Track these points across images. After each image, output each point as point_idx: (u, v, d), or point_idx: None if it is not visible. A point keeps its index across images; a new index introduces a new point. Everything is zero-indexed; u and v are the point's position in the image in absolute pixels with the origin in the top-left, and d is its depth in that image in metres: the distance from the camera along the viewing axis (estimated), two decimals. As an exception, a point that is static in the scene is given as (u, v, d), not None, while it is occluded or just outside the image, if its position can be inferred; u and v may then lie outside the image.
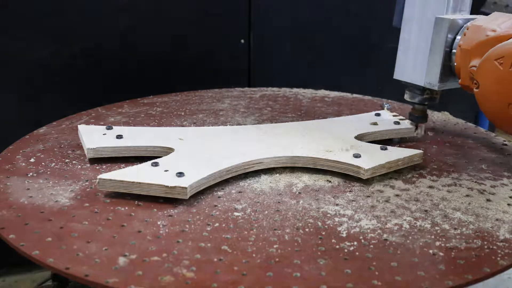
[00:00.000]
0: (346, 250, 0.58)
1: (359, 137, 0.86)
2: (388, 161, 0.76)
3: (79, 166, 0.77)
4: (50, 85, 1.28)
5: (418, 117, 0.91)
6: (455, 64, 0.83)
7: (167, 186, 0.66)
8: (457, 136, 0.95)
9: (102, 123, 0.94)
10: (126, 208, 0.65)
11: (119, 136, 0.81)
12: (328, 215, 0.65)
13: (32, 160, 0.78)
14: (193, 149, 0.79)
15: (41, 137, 0.87)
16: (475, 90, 0.77)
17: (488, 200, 0.71)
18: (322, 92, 1.19)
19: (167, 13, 1.34)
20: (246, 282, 0.52)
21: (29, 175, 0.73)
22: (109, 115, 0.99)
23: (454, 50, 0.83)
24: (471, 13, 0.86)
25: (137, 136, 0.82)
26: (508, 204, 0.69)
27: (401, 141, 0.91)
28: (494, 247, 0.59)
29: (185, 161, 0.74)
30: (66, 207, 0.65)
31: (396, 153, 0.79)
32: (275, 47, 1.48)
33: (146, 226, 0.61)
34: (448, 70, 0.85)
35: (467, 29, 0.81)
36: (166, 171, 0.69)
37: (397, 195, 0.71)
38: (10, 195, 0.67)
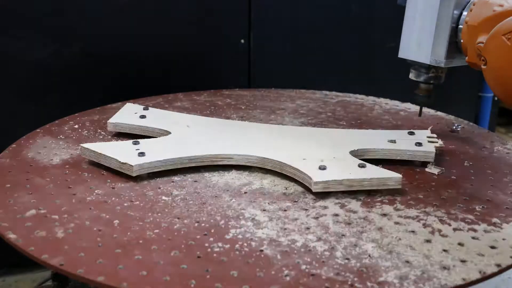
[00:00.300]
0: (211, 250, 0.57)
1: (363, 153, 0.80)
2: (348, 179, 0.70)
3: (101, 137, 0.88)
4: (50, 85, 1.27)
5: (423, 97, 0.89)
6: (462, 41, 0.81)
7: (119, 162, 0.73)
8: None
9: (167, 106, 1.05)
10: (90, 175, 0.74)
11: (143, 116, 0.90)
12: (240, 217, 0.64)
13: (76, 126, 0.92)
14: (184, 135, 0.84)
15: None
16: (482, 67, 0.75)
17: (427, 240, 0.60)
18: (405, 105, 1.10)
19: (167, 13, 1.34)
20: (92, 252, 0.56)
21: (60, 137, 0.87)
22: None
23: (460, 26, 0.81)
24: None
25: (156, 118, 0.90)
26: (445, 250, 0.58)
27: (423, 165, 0.81)
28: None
29: (161, 144, 0.80)
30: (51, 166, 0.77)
31: (367, 173, 0.72)
32: (275, 47, 1.47)
33: (85, 191, 0.69)
34: (454, 47, 0.83)
35: (474, 4, 0.80)
36: (137, 150, 0.76)
37: (335, 215, 0.66)
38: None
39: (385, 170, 0.75)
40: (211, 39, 1.40)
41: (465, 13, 0.81)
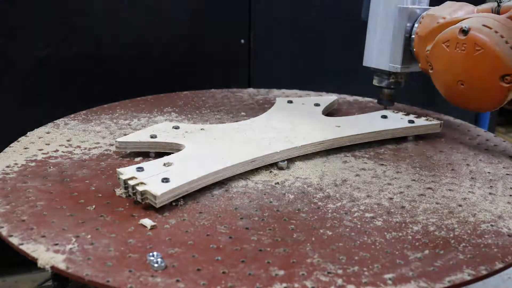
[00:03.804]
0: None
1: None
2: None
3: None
4: (50, 85, 1.28)
5: (386, 101, 1.01)
6: (414, 50, 0.92)
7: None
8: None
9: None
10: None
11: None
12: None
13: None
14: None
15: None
16: (430, 71, 0.87)
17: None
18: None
19: (167, 13, 1.34)
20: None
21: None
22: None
23: (413, 36, 0.93)
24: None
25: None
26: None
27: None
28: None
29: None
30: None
31: None
32: (275, 47, 1.48)
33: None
34: (409, 54, 0.95)
35: (423, 17, 0.91)
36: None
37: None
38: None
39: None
40: (211, 39, 1.40)
41: (416, 25, 0.93)
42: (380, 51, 0.98)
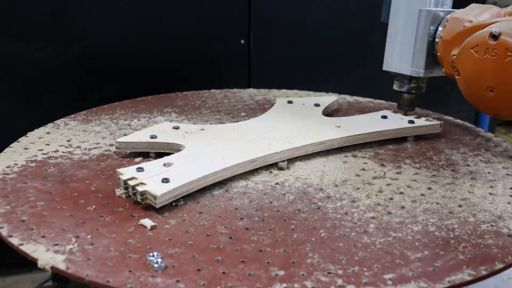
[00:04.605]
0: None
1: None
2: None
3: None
4: (50, 85, 1.28)
5: (406, 106, 0.98)
6: (438, 54, 0.90)
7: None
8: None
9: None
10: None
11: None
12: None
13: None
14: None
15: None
16: (456, 77, 0.84)
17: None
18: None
19: (167, 13, 1.34)
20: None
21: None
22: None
23: (437, 40, 0.90)
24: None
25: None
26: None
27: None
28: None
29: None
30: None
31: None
32: (275, 47, 1.48)
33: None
34: (432, 58, 0.92)
35: (447, 21, 0.88)
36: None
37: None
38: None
39: None
40: (211, 39, 1.40)
41: (440, 28, 0.90)
42: (401, 55, 0.95)
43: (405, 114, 0.97)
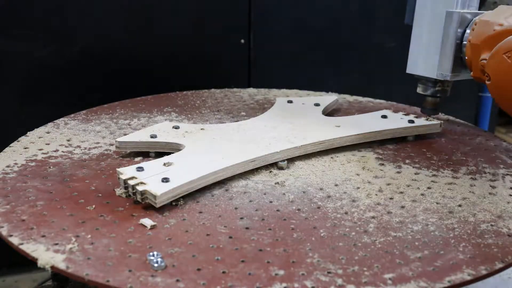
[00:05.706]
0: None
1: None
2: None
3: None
4: (50, 85, 1.28)
5: (429, 109, 0.95)
6: (466, 58, 0.86)
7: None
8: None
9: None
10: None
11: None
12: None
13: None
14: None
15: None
16: (487, 82, 0.80)
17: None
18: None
19: (167, 13, 1.34)
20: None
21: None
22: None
23: (464, 42, 0.87)
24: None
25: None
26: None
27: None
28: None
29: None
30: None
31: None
32: (275, 47, 1.48)
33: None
34: (459, 61, 0.88)
35: (475, 24, 0.85)
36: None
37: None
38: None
39: None
40: (211, 39, 1.40)
41: (468, 31, 0.86)
42: (426, 58, 0.92)
43: (428, 118, 0.95)
